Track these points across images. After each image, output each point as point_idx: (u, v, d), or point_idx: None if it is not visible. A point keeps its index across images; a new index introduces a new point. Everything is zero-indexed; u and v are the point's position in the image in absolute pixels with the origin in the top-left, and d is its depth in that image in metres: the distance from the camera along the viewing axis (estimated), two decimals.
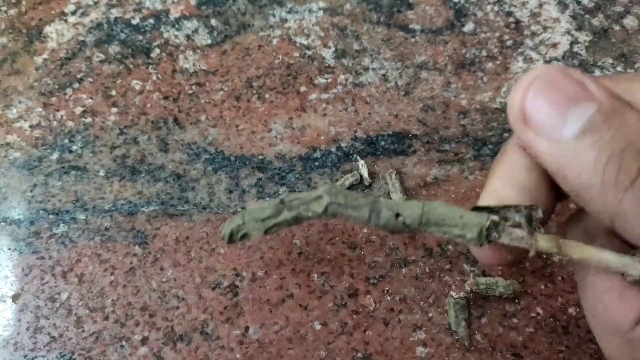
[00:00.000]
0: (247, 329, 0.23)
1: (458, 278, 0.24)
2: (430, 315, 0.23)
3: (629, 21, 0.29)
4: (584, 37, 0.28)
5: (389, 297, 0.23)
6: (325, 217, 0.15)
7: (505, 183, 0.16)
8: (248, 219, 0.16)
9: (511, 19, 0.29)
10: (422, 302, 0.23)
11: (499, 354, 0.22)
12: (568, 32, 0.28)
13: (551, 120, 0.13)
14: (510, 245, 0.15)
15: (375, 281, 0.24)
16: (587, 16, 0.29)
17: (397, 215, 0.15)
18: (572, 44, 0.28)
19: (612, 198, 0.12)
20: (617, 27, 0.28)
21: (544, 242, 0.14)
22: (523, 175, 0.16)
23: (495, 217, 0.15)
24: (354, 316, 0.23)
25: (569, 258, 0.14)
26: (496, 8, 0.29)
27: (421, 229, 0.15)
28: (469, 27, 0.29)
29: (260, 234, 0.16)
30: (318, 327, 0.23)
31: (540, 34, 0.28)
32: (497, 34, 0.28)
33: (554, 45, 0.28)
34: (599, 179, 0.12)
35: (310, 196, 0.15)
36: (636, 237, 0.12)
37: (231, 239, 0.17)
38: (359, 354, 0.22)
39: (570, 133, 0.12)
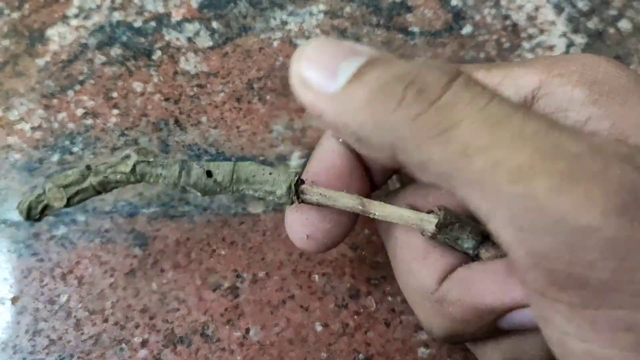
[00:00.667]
0: (247, 330, 0.23)
1: None
2: None
3: (624, 24, 0.29)
4: (579, 39, 0.29)
5: (390, 298, 0.23)
6: (134, 179, 0.15)
7: (321, 169, 0.17)
8: (49, 188, 0.15)
9: (508, 22, 0.29)
10: None
11: None
12: (564, 35, 0.29)
13: (324, 76, 0.13)
14: (319, 203, 0.15)
15: (377, 282, 0.24)
16: (582, 19, 0.29)
17: (209, 173, 0.15)
18: (568, 46, 0.28)
19: (386, 127, 0.12)
20: (612, 30, 0.29)
21: (346, 199, 0.15)
22: (337, 162, 0.17)
23: (298, 171, 0.16)
24: (355, 317, 0.23)
25: (373, 214, 0.15)
26: (493, 11, 0.29)
27: (233, 188, 0.15)
28: (467, 30, 0.29)
29: (62, 204, 0.15)
30: (319, 328, 0.23)
31: (537, 36, 0.29)
32: (495, 37, 0.29)
33: (551, 48, 0.28)
34: (370, 114, 0.12)
35: (117, 158, 0.15)
36: (414, 162, 0.12)
37: (29, 215, 0.16)
38: (361, 355, 0.22)
39: (341, 82, 0.13)
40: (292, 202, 0.15)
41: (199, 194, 0.15)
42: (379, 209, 0.15)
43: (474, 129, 0.11)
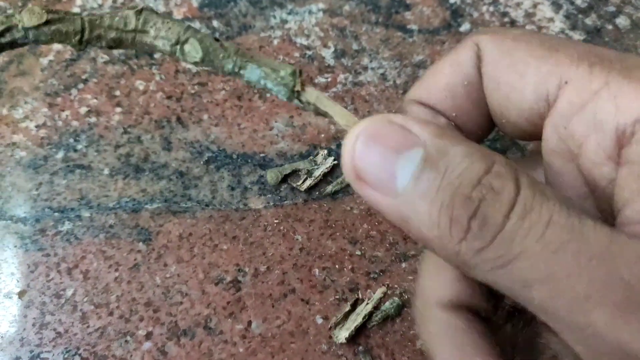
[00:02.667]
0: (249, 323, 0.23)
1: None
2: None
3: (621, 20, 0.29)
4: (577, 36, 0.29)
5: (389, 291, 0.24)
6: (137, 26, 0.14)
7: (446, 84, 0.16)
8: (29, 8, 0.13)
9: (506, 19, 0.29)
10: None
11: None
12: (562, 32, 0.29)
13: (382, 174, 0.12)
14: (315, 102, 0.15)
15: (376, 275, 0.24)
16: (580, 16, 0.29)
17: (216, 39, 0.14)
18: None
19: (452, 251, 0.12)
20: (609, 27, 0.29)
21: (342, 112, 0.14)
22: (459, 91, 0.16)
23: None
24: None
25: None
26: (491, 8, 0.30)
27: (236, 60, 0.14)
28: (465, 27, 0.29)
29: (37, 22, 0.13)
30: (320, 321, 0.23)
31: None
32: None
33: None
34: (436, 233, 0.12)
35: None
36: (479, 279, 0.12)
37: None
38: (360, 347, 0.23)
39: (402, 186, 0.12)
40: (293, 92, 0.14)
41: (197, 57, 0.14)
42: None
43: (532, 262, 0.11)
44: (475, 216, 0.12)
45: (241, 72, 0.15)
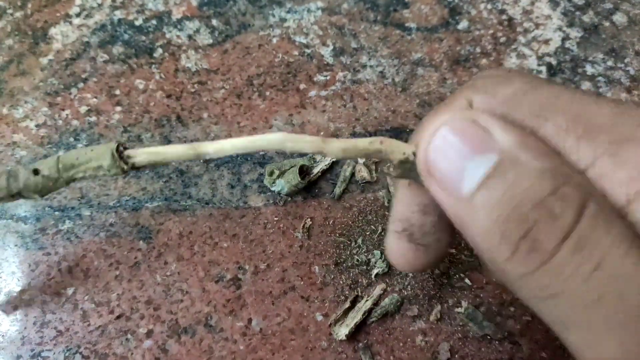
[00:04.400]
0: (250, 320, 0.23)
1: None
2: (429, 305, 0.23)
3: (619, 17, 0.29)
4: (575, 33, 0.29)
5: (388, 288, 0.24)
6: None
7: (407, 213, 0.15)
8: None
9: (504, 17, 0.30)
10: (420, 293, 0.24)
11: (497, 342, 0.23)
12: (559, 29, 0.29)
13: (451, 174, 0.12)
14: (150, 162, 0.15)
15: (375, 272, 0.24)
16: (577, 13, 0.30)
17: (35, 171, 0.15)
18: (563, 40, 0.29)
19: (499, 267, 0.12)
20: (607, 23, 0.29)
21: (177, 149, 0.14)
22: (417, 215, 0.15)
23: (121, 140, 0.15)
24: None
25: (207, 154, 0.14)
26: (489, 6, 0.30)
27: (64, 177, 0.15)
28: (463, 24, 0.29)
29: None
30: (320, 318, 0.23)
31: (533, 30, 0.29)
32: (491, 31, 0.29)
33: (546, 42, 0.29)
34: (487, 245, 0.12)
35: None
36: (531, 301, 0.12)
37: None
38: (360, 344, 0.23)
39: (467, 189, 0.12)
40: (123, 171, 0.15)
41: (36, 196, 0.15)
42: (213, 147, 0.14)
43: (573, 304, 0.11)
44: (525, 238, 0.11)
45: (72, 184, 0.15)
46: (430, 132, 0.13)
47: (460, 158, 0.12)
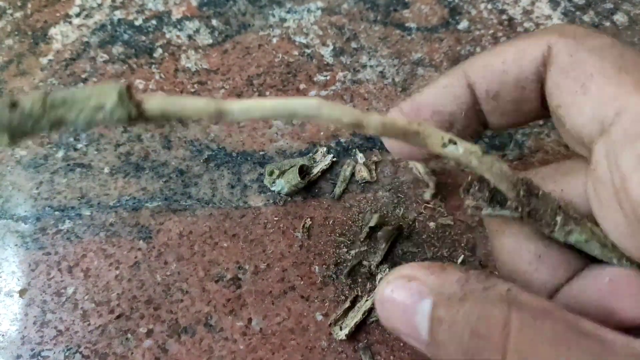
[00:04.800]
0: (250, 320, 0.23)
1: None
2: None
3: (619, 17, 0.29)
4: None
5: None
6: None
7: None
8: None
9: (504, 17, 0.30)
10: None
11: None
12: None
13: (407, 329, 0.14)
14: (165, 112, 0.12)
15: (375, 272, 0.24)
16: (578, 13, 0.30)
17: (13, 104, 0.11)
18: None
19: None
20: (607, 24, 0.29)
21: (197, 102, 0.12)
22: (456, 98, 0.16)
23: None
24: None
25: (232, 116, 0.12)
26: (490, 6, 0.30)
27: (49, 116, 0.12)
28: (463, 24, 0.29)
29: None
30: (320, 317, 0.23)
31: (533, 30, 0.29)
32: (491, 31, 0.29)
33: None
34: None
35: None
36: None
37: None
38: (360, 344, 0.23)
39: (424, 336, 0.13)
40: (130, 117, 0.12)
41: (5, 137, 0.12)
42: (239, 106, 0.12)
43: None
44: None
45: (59, 129, 0.12)
46: (377, 301, 0.14)
47: (407, 312, 0.14)
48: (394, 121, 0.13)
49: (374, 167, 0.26)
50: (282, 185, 0.25)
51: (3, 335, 0.23)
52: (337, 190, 0.25)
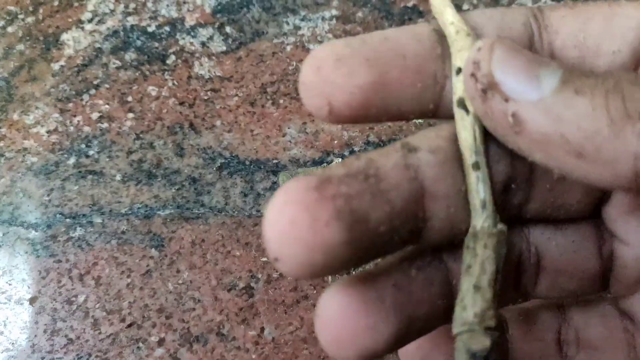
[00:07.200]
0: (262, 329, 0.23)
1: None
2: None
3: None
4: None
5: None
6: None
7: None
8: None
9: None
10: None
11: None
12: None
13: (525, 81, 0.11)
14: None
15: None
16: None
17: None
18: None
19: (630, 133, 0.10)
20: None
21: None
22: None
23: None
24: None
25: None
26: None
27: None
28: None
29: None
30: None
31: None
32: None
33: None
34: (605, 119, 0.10)
35: None
36: None
37: None
38: None
39: (550, 88, 0.11)
40: None
41: None
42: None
43: None
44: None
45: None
46: (484, 47, 0.11)
47: (528, 67, 0.11)
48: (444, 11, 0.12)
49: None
50: None
51: (13, 343, 0.23)
52: None
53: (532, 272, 0.14)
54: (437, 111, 0.13)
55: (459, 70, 0.12)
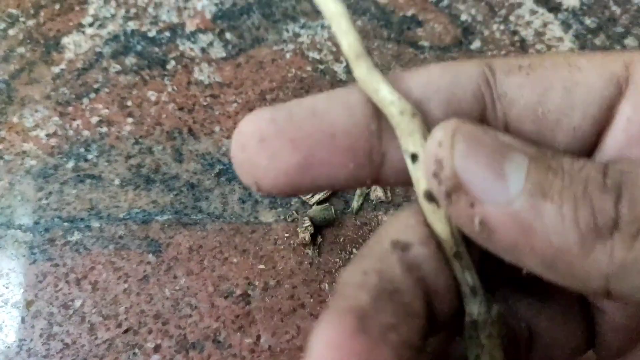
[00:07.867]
0: (259, 337, 0.23)
1: None
2: None
3: (630, 41, 0.30)
4: None
5: None
6: None
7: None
8: None
9: (516, 38, 0.30)
10: None
11: None
12: (571, 52, 0.29)
13: (491, 181, 0.10)
14: None
15: None
16: (589, 36, 0.30)
17: None
18: None
19: (601, 253, 0.10)
20: (618, 47, 0.29)
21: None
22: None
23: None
24: None
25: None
26: (502, 27, 0.30)
27: None
28: (476, 44, 0.30)
29: None
30: None
31: (545, 52, 0.29)
32: (503, 52, 0.29)
33: None
34: (575, 235, 0.10)
35: None
36: (636, 290, 0.10)
37: None
38: None
39: (517, 188, 0.10)
40: None
41: None
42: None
43: None
44: (620, 200, 0.10)
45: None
46: (445, 139, 0.11)
47: (493, 162, 0.10)
48: (377, 88, 0.11)
49: (388, 186, 0.26)
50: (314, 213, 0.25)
51: (9, 347, 0.23)
52: (355, 204, 0.25)
53: (524, 346, 0.13)
54: (378, 183, 0.12)
55: (414, 157, 0.11)
